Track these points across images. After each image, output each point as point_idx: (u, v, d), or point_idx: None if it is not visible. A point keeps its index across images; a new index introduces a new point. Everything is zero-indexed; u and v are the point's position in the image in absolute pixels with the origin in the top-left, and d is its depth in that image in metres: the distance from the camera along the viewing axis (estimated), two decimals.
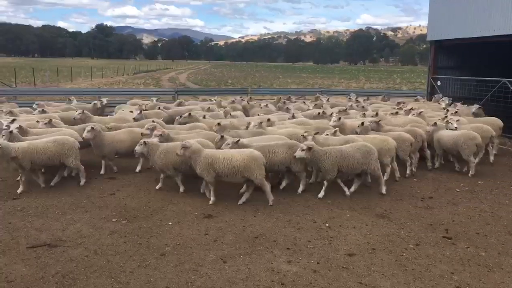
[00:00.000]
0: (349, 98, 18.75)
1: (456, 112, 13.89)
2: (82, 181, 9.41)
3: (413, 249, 6.53)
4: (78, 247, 6.41)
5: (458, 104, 16.20)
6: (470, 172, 10.81)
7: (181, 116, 12.31)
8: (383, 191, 9.08)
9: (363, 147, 8.91)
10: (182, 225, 7.29)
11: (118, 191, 9.10)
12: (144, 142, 9.03)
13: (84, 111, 12.51)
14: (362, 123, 10.71)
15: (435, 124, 11.25)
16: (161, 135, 9.53)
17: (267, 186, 8.40)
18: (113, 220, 7.49)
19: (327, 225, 7.41)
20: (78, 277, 5.55)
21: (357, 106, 15.94)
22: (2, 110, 13.32)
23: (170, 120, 13.27)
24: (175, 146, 8.77)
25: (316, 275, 5.70)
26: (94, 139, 9.93)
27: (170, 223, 7.37)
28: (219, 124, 10.86)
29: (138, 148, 9.06)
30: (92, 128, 9.87)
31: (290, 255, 6.28)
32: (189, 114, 12.27)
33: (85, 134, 9.80)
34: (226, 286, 5.42)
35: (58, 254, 6.19)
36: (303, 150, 8.58)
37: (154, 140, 9.27)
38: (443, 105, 16.72)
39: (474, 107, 14.37)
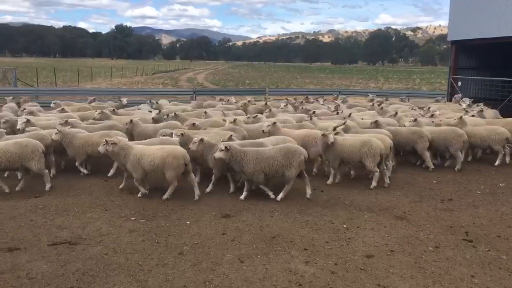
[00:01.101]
0: (372, 99, 18.64)
1: (482, 111, 13.83)
2: (48, 186, 9.02)
3: (432, 252, 6.45)
4: (98, 245, 6.49)
5: (481, 104, 15.98)
6: (457, 166, 11.12)
7: (168, 115, 12.62)
8: (278, 198, 8.52)
9: (285, 148, 8.51)
10: (199, 225, 7.33)
11: (137, 190, 9.17)
12: (106, 141, 8.83)
13: (103, 110, 12.65)
14: (334, 128, 10.46)
15: (415, 120, 11.34)
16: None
17: (174, 186, 8.52)
18: (132, 218, 7.57)
19: (345, 226, 7.37)
20: (98, 275, 5.63)
21: (378, 106, 15.93)
22: (23, 110, 13.62)
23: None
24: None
25: (334, 276, 5.68)
26: (63, 141, 9.82)
27: (188, 222, 7.41)
28: (193, 124, 11.20)
29: (101, 148, 8.79)
30: (59, 130, 9.76)
31: (308, 255, 6.26)
32: (175, 114, 12.59)
33: (53, 136, 9.70)
34: (243, 285, 5.43)
35: (78, 251, 6.28)
36: (221, 150, 8.29)
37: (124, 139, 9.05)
38: (464, 106, 16.50)
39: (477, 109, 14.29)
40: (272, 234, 6.97)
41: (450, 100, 19.48)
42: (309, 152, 9.52)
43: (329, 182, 9.78)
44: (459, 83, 21.04)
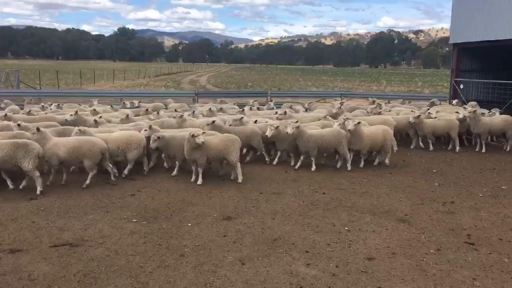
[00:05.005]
0: (373, 101, 18.54)
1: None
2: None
3: (434, 254, 6.44)
4: (99, 247, 6.50)
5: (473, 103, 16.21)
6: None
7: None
8: (20, 186, 9.07)
9: (17, 142, 8.82)
10: (201, 227, 7.33)
11: (138, 192, 9.19)
12: (37, 129, 9.28)
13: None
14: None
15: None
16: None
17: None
18: (133, 220, 7.57)
19: (346, 228, 7.36)
20: (99, 276, 5.63)
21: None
22: (28, 111, 13.77)
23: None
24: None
25: (335, 279, 5.67)
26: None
27: (189, 224, 7.42)
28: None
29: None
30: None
31: (309, 258, 6.25)
32: (127, 116, 12.88)
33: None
34: None
35: (79, 253, 6.29)
36: None
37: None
38: (469, 108, 16.47)
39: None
40: (273, 237, 6.97)
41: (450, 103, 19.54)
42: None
43: (192, 180, 9.96)
44: (461, 86, 21.01)
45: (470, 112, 13.68)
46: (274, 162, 11.65)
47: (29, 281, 5.49)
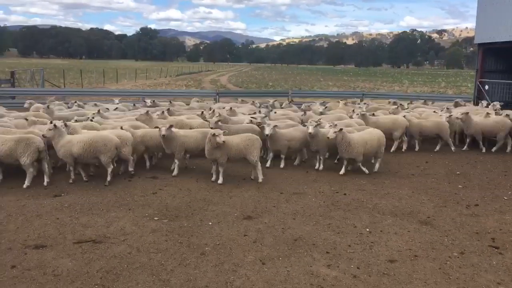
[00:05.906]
0: (394, 102, 18.33)
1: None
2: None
3: (457, 258, 6.33)
4: (122, 244, 6.58)
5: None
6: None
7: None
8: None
9: (21, 137, 9.12)
10: (222, 226, 7.36)
11: (160, 190, 9.28)
12: (55, 125, 9.36)
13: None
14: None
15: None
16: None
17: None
18: (155, 218, 7.65)
19: (367, 230, 7.29)
20: (121, 273, 5.70)
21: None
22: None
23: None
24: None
25: (356, 281, 5.63)
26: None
27: (210, 223, 7.45)
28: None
29: (46, 133, 9.33)
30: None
31: (330, 259, 6.22)
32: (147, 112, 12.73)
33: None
34: (264, 287, 5.43)
35: (102, 250, 6.38)
36: None
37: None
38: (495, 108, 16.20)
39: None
40: (294, 237, 6.95)
41: (477, 104, 19.17)
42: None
43: (213, 179, 9.98)
44: (486, 87, 20.62)
45: (462, 113, 13.71)
46: (295, 163, 11.63)
47: (53, 277, 5.59)
